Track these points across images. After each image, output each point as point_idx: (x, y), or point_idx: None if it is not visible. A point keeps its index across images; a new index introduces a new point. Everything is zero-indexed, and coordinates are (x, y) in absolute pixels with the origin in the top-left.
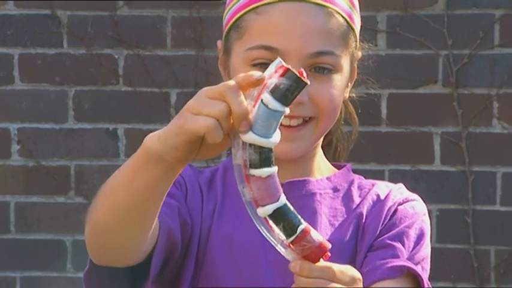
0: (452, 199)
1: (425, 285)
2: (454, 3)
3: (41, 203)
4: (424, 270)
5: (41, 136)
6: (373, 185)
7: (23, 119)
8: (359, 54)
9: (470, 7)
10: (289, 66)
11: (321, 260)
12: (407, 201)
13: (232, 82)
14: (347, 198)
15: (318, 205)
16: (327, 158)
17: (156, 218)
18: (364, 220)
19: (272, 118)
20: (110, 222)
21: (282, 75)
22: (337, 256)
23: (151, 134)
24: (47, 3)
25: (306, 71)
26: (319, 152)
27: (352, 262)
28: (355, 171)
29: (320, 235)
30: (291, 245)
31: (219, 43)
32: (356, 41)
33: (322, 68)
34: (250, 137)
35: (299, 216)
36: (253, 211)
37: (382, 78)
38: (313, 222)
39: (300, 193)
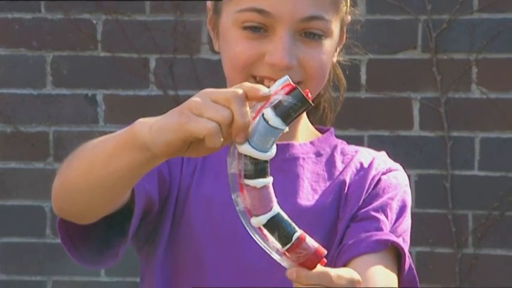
0: (430, 164)
1: (407, 259)
2: None
3: (19, 169)
4: (405, 243)
5: (19, 102)
6: (356, 151)
7: (0, 84)
8: (349, 18)
9: None
10: (296, 86)
11: (318, 265)
12: (391, 171)
13: (240, 91)
14: (330, 163)
15: (300, 169)
16: (314, 121)
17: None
18: (347, 188)
19: (270, 134)
20: (80, 186)
21: (288, 93)
22: (318, 222)
23: (143, 120)
24: None
25: (296, 36)
26: (304, 115)
27: (333, 228)
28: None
29: (315, 241)
30: (287, 253)
31: (209, 3)
32: (347, 6)
33: (312, 34)
34: (246, 149)
35: (293, 224)
36: (247, 220)
37: (362, 44)
38: (295, 187)
39: (284, 157)
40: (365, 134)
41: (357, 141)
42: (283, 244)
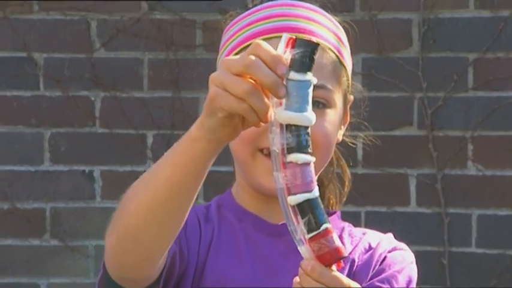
0: (428, 241)
1: None
2: (429, 47)
3: (15, 245)
4: None
5: (16, 178)
6: (363, 234)
7: None
8: (351, 98)
9: (444, 50)
10: (296, 36)
11: (334, 266)
12: (396, 249)
13: (255, 58)
14: None
15: None
16: None
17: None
18: (355, 267)
19: (302, 89)
20: (144, 222)
21: (293, 46)
22: None
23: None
24: (23, 45)
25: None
26: None
27: None
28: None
29: (340, 242)
30: (310, 241)
31: None
32: (348, 81)
33: (316, 102)
34: (286, 115)
35: (326, 216)
36: (284, 198)
37: (359, 120)
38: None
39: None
40: (362, 210)
41: (354, 217)
42: (310, 230)
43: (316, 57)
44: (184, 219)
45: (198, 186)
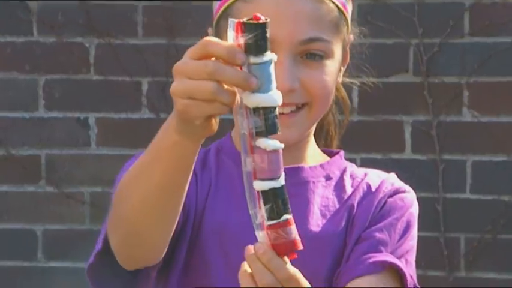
0: (422, 187)
1: (409, 279)
2: None
3: (11, 192)
4: (408, 263)
5: (11, 125)
6: (365, 174)
7: None
8: (351, 37)
9: None
10: (242, 19)
11: (286, 257)
12: (398, 193)
13: (213, 62)
14: (339, 187)
15: (310, 194)
16: (319, 143)
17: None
18: (354, 211)
19: (264, 71)
20: (143, 220)
21: (243, 31)
22: (327, 249)
23: (164, 135)
24: None
25: (297, 58)
26: (312, 139)
27: (340, 255)
28: None
29: (298, 235)
30: (268, 229)
31: (210, 31)
32: (347, 25)
33: (313, 55)
34: (252, 98)
35: (289, 205)
36: (249, 182)
37: (354, 67)
38: (305, 212)
39: (294, 181)
40: (357, 157)
41: None
42: (270, 218)
43: (268, 35)
44: (182, 204)
45: (189, 175)
